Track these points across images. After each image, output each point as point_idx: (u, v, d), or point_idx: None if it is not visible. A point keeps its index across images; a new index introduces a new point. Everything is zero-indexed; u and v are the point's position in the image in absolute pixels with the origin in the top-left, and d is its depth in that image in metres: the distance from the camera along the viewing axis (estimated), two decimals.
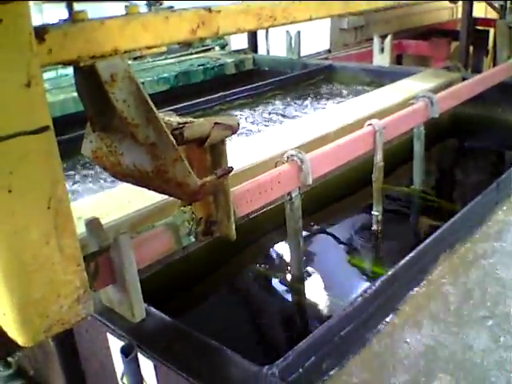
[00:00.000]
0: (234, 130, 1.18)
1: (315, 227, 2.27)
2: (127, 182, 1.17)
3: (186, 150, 1.18)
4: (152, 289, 1.25)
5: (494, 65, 4.24)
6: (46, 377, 1.58)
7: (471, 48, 5.09)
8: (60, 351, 1.40)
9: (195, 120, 1.13)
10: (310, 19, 1.27)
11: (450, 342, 1.23)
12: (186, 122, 1.10)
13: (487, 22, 5.76)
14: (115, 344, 1.18)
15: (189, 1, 1.27)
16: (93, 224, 1.11)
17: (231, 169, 1.19)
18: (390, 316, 1.32)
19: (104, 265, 1.09)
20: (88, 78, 0.92)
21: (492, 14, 5.65)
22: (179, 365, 1.05)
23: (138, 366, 1.10)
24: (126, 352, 1.07)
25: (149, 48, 0.98)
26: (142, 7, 4.56)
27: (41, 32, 0.78)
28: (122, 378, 1.22)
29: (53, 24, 0.81)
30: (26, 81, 0.69)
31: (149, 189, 1.16)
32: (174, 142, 1.00)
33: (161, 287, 1.64)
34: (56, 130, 0.74)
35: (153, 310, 1.21)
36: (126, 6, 1.02)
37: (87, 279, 0.85)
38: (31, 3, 0.71)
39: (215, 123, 1.13)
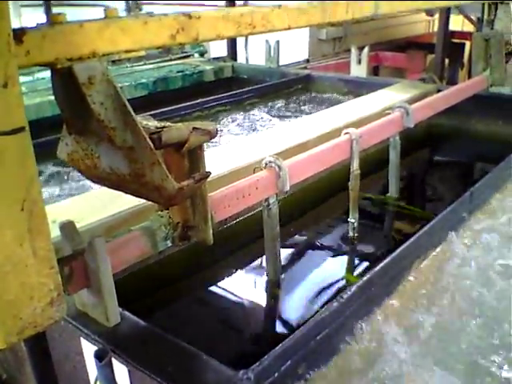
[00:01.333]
0: (212, 135, 1.18)
1: (292, 234, 2.28)
2: (103, 185, 1.16)
3: (164, 155, 1.18)
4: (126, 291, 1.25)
5: (469, 77, 4.33)
6: (18, 381, 1.55)
7: (447, 61, 5.20)
8: (33, 355, 1.37)
9: (173, 125, 1.13)
10: (289, 28, 1.29)
11: (423, 348, 1.24)
12: (163, 127, 1.10)
13: (463, 35, 5.89)
14: (89, 348, 1.17)
15: (169, 5, 1.28)
16: (67, 227, 1.11)
17: (209, 173, 1.19)
18: (365, 321, 1.33)
19: (78, 268, 1.08)
20: (65, 80, 0.92)
21: (469, 27, 5.77)
22: (154, 369, 1.05)
23: (112, 370, 1.09)
24: (99, 357, 1.06)
25: (128, 52, 0.98)
26: (121, 12, 4.55)
27: (19, 34, 0.77)
28: (95, 383, 1.21)
29: (31, 27, 0.81)
30: (2, 82, 0.69)
31: (126, 192, 1.15)
32: (152, 145, 1.00)
33: (135, 290, 1.63)
34: (32, 133, 0.74)
35: (127, 314, 1.20)
36: (104, 10, 1.02)
37: (61, 282, 0.84)
38: (10, 3, 0.71)
39: (193, 128, 1.13)
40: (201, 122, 1.21)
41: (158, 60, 4.39)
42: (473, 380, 1.15)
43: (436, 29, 5.59)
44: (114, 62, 3.73)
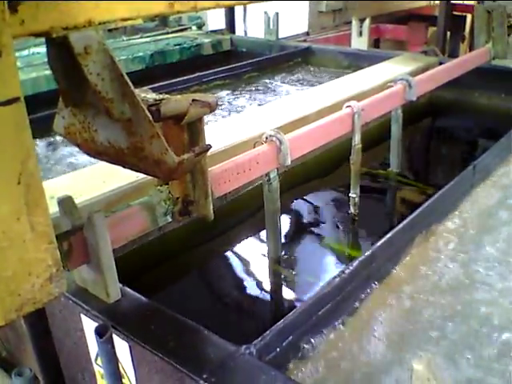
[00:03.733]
0: (212, 107, 1.15)
1: (293, 208, 2.26)
2: (101, 159, 1.14)
3: (163, 128, 1.15)
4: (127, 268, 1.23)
5: (471, 50, 4.27)
6: (18, 358, 1.55)
7: (448, 33, 5.13)
8: (33, 332, 1.37)
9: (172, 97, 1.10)
10: None
11: (424, 320, 1.24)
12: (162, 99, 1.07)
13: (464, 7, 5.79)
14: (89, 325, 1.16)
15: None
16: (66, 203, 1.09)
17: (209, 147, 1.17)
18: (367, 296, 1.33)
19: (78, 244, 1.06)
20: (61, 50, 0.89)
21: (470, 0, 5.68)
22: (155, 345, 1.04)
23: (113, 346, 1.08)
24: (100, 333, 1.05)
25: (124, 20, 0.95)
26: None
27: (14, 3, 0.74)
28: (96, 359, 1.20)
29: None
30: None
31: (124, 167, 1.13)
32: (151, 118, 0.98)
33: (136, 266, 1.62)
34: (27, 109, 0.71)
35: (128, 290, 1.19)
36: None
37: (60, 258, 0.82)
38: None
39: (193, 100, 1.11)
40: (200, 93, 1.18)
41: (155, 33, 4.31)
42: None
43: (437, 1, 5.50)
44: (110, 31, 3.64)
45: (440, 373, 0.92)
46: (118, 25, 0.92)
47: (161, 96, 1.09)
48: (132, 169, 1.12)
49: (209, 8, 1.09)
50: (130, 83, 0.94)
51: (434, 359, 1.02)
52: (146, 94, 1.08)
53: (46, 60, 0.95)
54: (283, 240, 1.95)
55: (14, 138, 0.70)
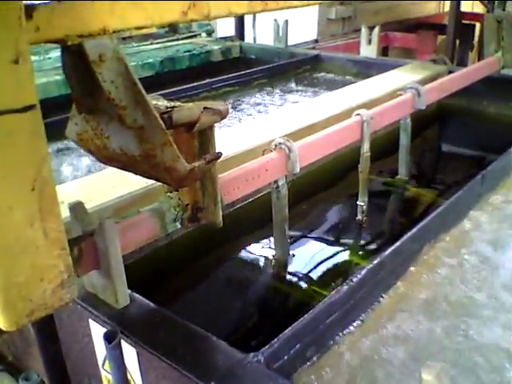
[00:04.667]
0: (223, 115, 1.16)
1: (301, 216, 2.26)
2: (113, 166, 1.15)
3: (174, 135, 1.15)
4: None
5: (479, 59, 4.26)
6: (25, 362, 1.56)
7: (457, 42, 5.13)
8: (40, 337, 1.38)
9: (184, 104, 1.11)
10: (307, 4, 1.26)
11: (434, 330, 1.23)
12: (174, 106, 1.08)
13: (473, 16, 5.80)
14: (97, 330, 1.16)
15: None
16: (77, 208, 1.09)
17: (220, 154, 1.17)
18: (375, 305, 1.32)
19: (88, 250, 1.07)
20: (75, 57, 0.90)
21: (478, 9, 5.68)
22: (163, 351, 1.04)
23: (121, 352, 1.09)
24: (109, 338, 1.06)
25: (138, 29, 0.95)
26: None
27: (29, 9, 0.75)
28: (103, 365, 1.21)
29: (41, 2, 0.79)
30: (14, 57, 0.67)
31: (136, 173, 1.13)
32: (163, 125, 0.98)
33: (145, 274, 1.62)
34: None
35: (137, 296, 1.19)
36: None
37: (71, 264, 0.83)
38: None
39: (204, 108, 1.11)
40: (211, 101, 1.19)
41: (165, 39, 4.33)
42: None
43: (446, 9, 5.50)
44: (124, 38, 3.66)
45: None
46: (132, 33, 0.93)
47: (172, 103, 1.10)
48: (143, 175, 1.12)
49: (221, 16, 1.10)
50: (144, 91, 0.95)
51: (444, 370, 1.02)
52: (157, 102, 1.09)
53: (56, 65, 0.95)
54: (291, 246, 1.95)
55: (30, 144, 0.71)
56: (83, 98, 0.99)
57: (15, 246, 0.72)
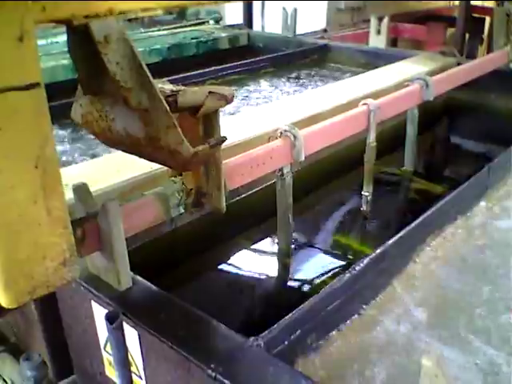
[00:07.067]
0: (228, 100, 1.16)
1: (305, 206, 2.26)
2: (117, 148, 1.15)
3: (179, 119, 1.15)
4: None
5: (488, 53, 4.22)
6: (27, 344, 1.57)
7: (467, 35, 5.07)
8: (42, 318, 1.39)
9: (189, 88, 1.11)
10: None
11: (435, 322, 1.23)
12: (179, 90, 1.08)
13: (483, 10, 5.74)
14: (99, 312, 1.17)
15: None
16: (81, 190, 1.10)
17: (224, 139, 1.17)
18: (377, 293, 1.33)
19: (91, 231, 1.07)
20: (81, 38, 0.90)
21: (488, 3, 5.62)
22: (164, 334, 1.05)
23: (123, 333, 1.09)
24: (110, 319, 1.06)
25: (145, 10, 0.95)
26: None
27: None
28: (104, 347, 1.22)
29: None
30: (18, 34, 0.67)
31: (140, 157, 1.14)
32: (168, 108, 0.98)
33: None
34: None
35: (139, 278, 1.20)
36: None
37: (74, 243, 0.83)
38: None
39: (209, 92, 1.11)
40: (217, 86, 1.18)
41: (173, 26, 4.32)
42: None
43: (456, 2, 5.45)
44: (129, 20, 3.64)
45: (449, 370, 0.92)
46: (138, 15, 0.93)
47: (178, 87, 1.10)
48: (147, 159, 1.13)
49: (229, 1, 1.09)
50: (149, 73, 0.95)
51: (444, 356, 1.02)
52: (163, 85, 1.09)
53: (63, 49, 0.95)
54: (294, 234, 1.95)
55: (33, 122, 0.71)
56: (88, 80, 0.99)
57: (18, 223, 0.73)
